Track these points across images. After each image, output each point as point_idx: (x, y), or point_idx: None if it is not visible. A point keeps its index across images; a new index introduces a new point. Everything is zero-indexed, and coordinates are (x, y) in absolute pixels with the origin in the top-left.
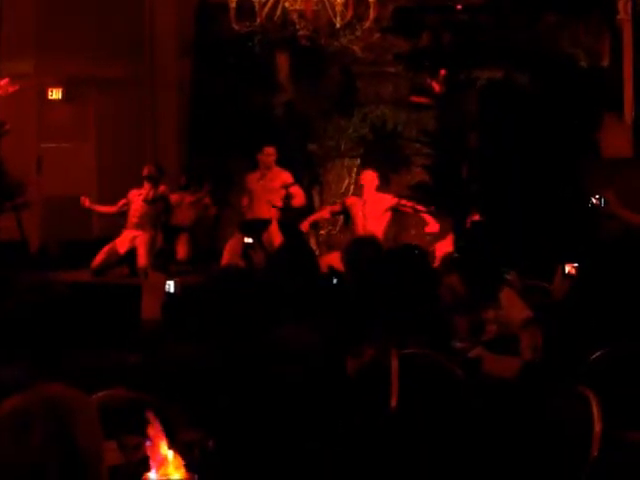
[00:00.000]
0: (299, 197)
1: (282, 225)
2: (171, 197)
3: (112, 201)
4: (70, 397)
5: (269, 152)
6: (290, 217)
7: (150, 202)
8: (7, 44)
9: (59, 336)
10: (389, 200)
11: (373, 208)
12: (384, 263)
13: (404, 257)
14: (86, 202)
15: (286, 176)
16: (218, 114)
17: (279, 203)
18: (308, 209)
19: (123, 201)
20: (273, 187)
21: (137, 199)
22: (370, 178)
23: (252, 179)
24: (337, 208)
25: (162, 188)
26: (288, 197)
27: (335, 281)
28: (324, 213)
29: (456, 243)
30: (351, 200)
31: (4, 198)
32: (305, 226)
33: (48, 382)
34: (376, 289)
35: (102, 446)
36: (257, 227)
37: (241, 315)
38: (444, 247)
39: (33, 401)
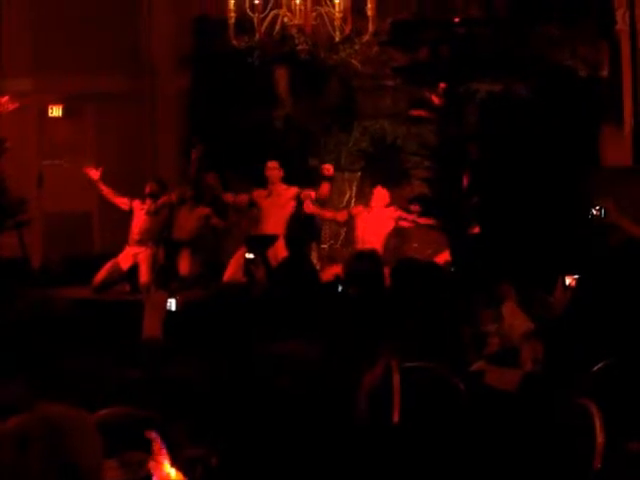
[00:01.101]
0: (319, 190)
1: (288, 241)
2: (172, 195)
3: (114, 217)
4: (70, 417)
5: (271, 166)
6: (296, 233)
7: (153, 213)
8: (6, 62)
9: (59, 352)
10: (391, 212)
11: (376, 220)
12: (395, 276)
13: (418, 270)
14: (94, 174)
15: (293, 190)
16: (218, 129)
17: (287, 219)
18: (310, 224)
19: (127, 200)
20: (280, 202)
21: (139, 213)
22: (381, 195)
23: (260, 195)
24: (341, 217)
25: (163, 199)
26: (300, 205)
27: (340, 289)
28: (328, 214)
29: (454, 256)
30: (357, 210)
31: (5, 215)
32: (307, 206)
33: (48, 400)
34: (380, 301)
35: (101, 465)
36: (263, 243)
37: (242, 331)
38: (443, 260)
39: (32, 422)
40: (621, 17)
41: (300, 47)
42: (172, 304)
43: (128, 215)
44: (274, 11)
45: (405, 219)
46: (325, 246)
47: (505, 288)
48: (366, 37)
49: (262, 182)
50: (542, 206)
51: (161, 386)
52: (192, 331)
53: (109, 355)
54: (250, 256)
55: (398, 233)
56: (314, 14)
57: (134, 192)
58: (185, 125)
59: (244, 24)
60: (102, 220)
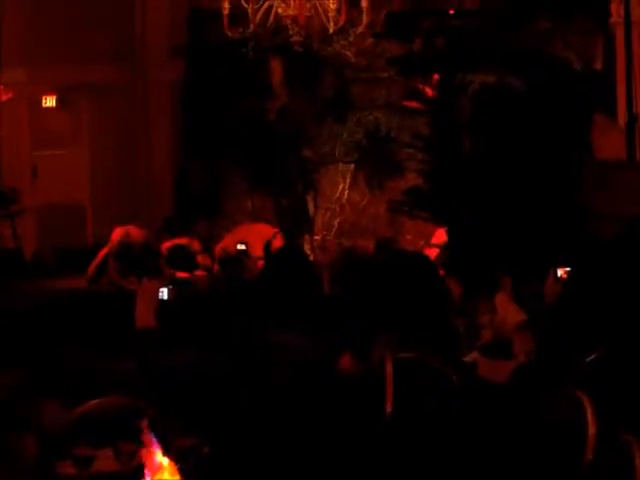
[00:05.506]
0: None
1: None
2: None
3: (107, 208)
4: None
5: None
6: (289, 224)
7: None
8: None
9: (53, 344)
10: None
11: None
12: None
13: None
14: None
15: None
16: (212, 120)
17: None
18: (303, 215)
19: None
20: None
21: None
22: None
23: None
24: None
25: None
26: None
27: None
28: None
29: (450, 248)
30: None
31: None
32: None
33: (45, 393)
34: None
35: None
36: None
37: (235, 321)
38: (436, 251)
39: None
40: (616, 10)
41: (294, 38)
42: (164, 293)
43: (121, 207)
44: (268, 2)
45: None
46: (318, 237)
47: (500, 279)
48: (360, 29)
49: (253, 172)
50: (535, 198)
51: (154, 376)
52: (185, 320)
53: (103, 345)
54: (242, 247)
55: (392, 225)
56: (308, 5)
57: (126, 183)
58: (179, 116)
59: (238, 15)
60: (95, 212)
